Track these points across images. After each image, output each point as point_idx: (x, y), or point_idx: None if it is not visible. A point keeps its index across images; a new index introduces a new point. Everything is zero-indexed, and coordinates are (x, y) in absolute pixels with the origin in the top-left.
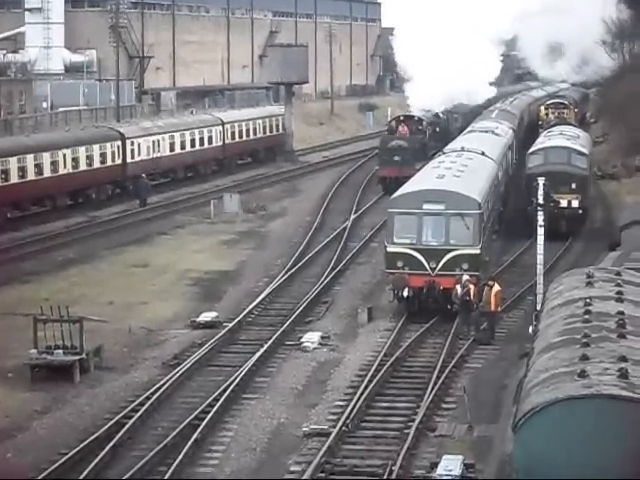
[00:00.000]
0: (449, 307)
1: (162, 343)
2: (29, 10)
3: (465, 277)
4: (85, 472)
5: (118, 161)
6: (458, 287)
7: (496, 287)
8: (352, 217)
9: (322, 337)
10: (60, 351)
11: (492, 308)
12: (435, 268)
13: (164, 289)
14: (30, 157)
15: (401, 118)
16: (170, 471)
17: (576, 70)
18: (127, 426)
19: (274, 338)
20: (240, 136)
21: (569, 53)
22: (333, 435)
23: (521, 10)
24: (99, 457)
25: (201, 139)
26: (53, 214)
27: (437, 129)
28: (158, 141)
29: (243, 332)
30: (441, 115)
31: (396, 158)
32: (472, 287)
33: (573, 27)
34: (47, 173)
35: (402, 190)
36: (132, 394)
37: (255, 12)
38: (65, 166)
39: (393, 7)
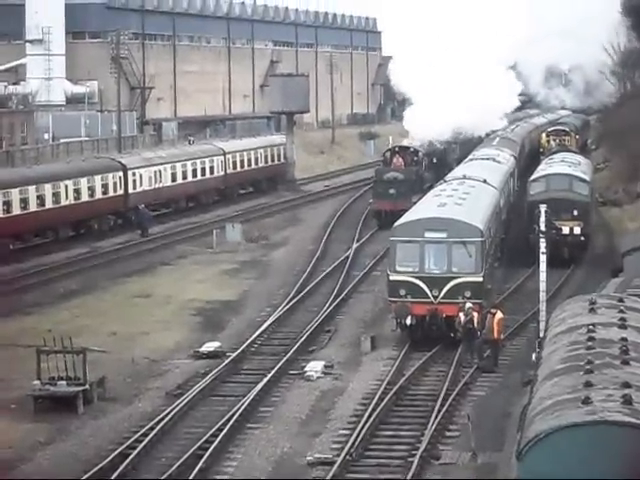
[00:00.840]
0: (452, 335)
1: (165, 373)
2: (30, 42)
3: (468, 305)
4: None
5: (120, 192)
6: (461, 315)
7: (499, 315)
8: (354, 246)
9: (325, 366)
10: (63, 382)
11: (495, 336)
12: (438, 296)
13: (167, 319)
14: (32, 188)
15: (396, 149)
16: None
17: (579, 97)
18: (131, 457)
19: (277, 367)
20: (242, 166)
21: (573, 79)
22: (337, 464)
23: (525, 35)
24: None
25: (203, 169)
26: (55, 245)
27: (434, 160)
28: (160, 171)
29: (246, 362)
30: (438, 145)
31: (391, 191)
32: (475, 314)
33: (576, 53)
34: (49, 204)
35: (404, 218)
36: (136, 424)
37: (256, 42)
38: (67, 197)
39: (393, 35)
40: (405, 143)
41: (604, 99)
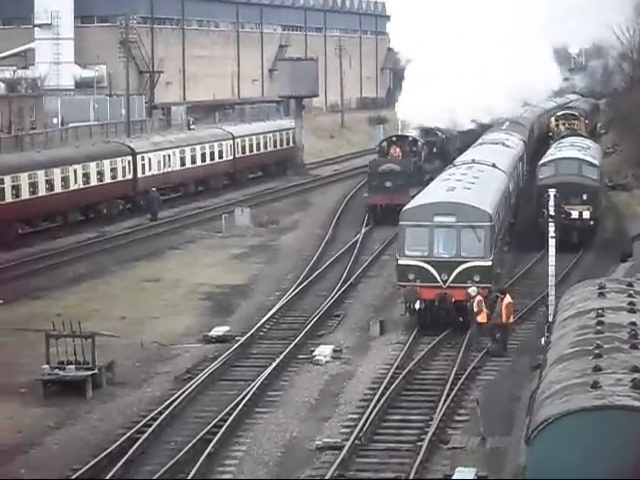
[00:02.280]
0: (461, 319)
1: (174, 358)
2: (39, 26)
3: (471, 290)
4: None
5: (129, 176)
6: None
7: (507, 299)
8: (363, 230)
9: (334, 350)
10: (72, 366)
11: (504, 320)
12: (447, 280)
13: (176, 304)
14: (41, 173)
15: (393, 138)
16: None
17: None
18: (140, 441)
19: (286, 352)
20: (251, 150)
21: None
22: (346, 448)
23: (533, 16)
24: (112, 472)
25: (212, 153)
26: (64, 230)
27: (434, 149)
28: (169, 156)
29: (255, 346)
30: (439, 134)
31: (387, 184)
32: (477, 299)
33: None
34: (58, 189)
35: (413, 203)
36: (145, 409)
37: (265, 26)
38: (76, 182)
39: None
40: (405, 132)
41: (615, 83)
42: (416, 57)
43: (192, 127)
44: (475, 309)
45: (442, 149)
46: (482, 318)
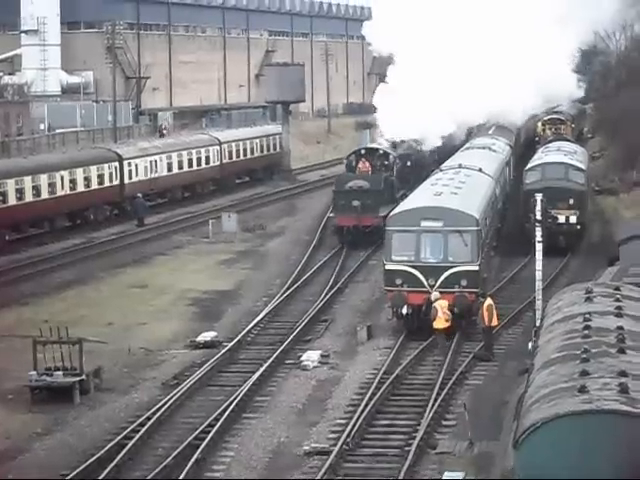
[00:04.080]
0: (448, 323)
1: (162, 363)
2: (25, 32)
3: (433, 295)
4: None
5: (116, 182)
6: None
7: (487, 301)
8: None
9: (322, 355)
10: (60, 373)
11: (485, 323)
12: (434, 285)
13: (163, 309)
14: (28, 179)
15: (362, 151)
16: None
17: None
18: (128, 447)
19: (274, 357)
20: (237, 155)
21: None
22: (334, 453)
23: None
24: (100, 478)
25: (198, 159)
26: (51, 236)
27: (408, 163)
28: (155, 161)
29: (243, 351)
30: (414, 145)
31: (355, 203)
32: (439, 302)
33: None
34: (45, 195)
35: (400, 207)
36: (132, 415)
37: (251, 31)
38: (63, 187)
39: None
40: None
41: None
42: (396, 59)
43: (164, 132)
44: (440, 314)
45: (417, 162)
46: (437, 324)
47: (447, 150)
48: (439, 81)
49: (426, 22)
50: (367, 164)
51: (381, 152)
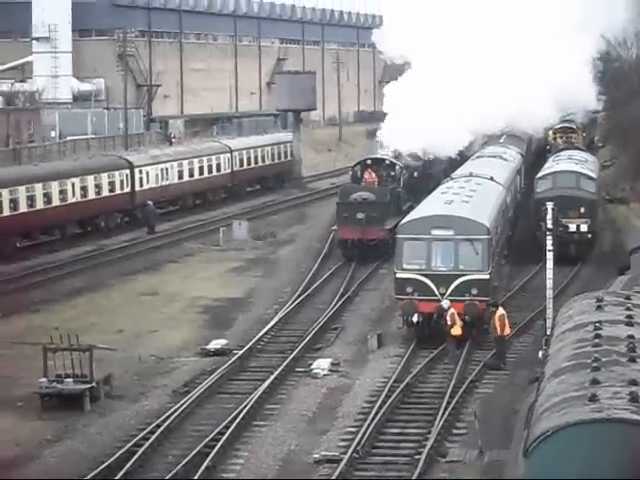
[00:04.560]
0: (460, 331)
1: (172, 371)
2: (36, 39)
3: (443, 303)
4: None
5: (127, 189)
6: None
7: (499, 311)
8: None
9: (332, 363)
10: (70, 380)
11: (498, 332)
12: (444, 293)
13: (173, 317)
14: (39, 186)
15: (367, 162)
16: None
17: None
18: (138, 454)
19: (284, 365)
20: (248, 163)
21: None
22: (344, 462)
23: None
24: None
25: (209, 166)
26: (62, 243)
27: (415, 174)
28: (167, 169)
29: (253, 359)
30: (422, 156)
31: (359, 215)
32: (450, 312)
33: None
34: (56, 202)
35: (411, 216)
36: (143, 422)
37: (262, 39)
38: (74, 195)
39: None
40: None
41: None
42: (407, 68)
43: (173, 140)
44: (449, 322)
45: (425, 173)
46: (455, 331)
47: (456, 160)
48: (453, 90)
49: (439, 30)
50: (373, 175)
51: (387, 162)
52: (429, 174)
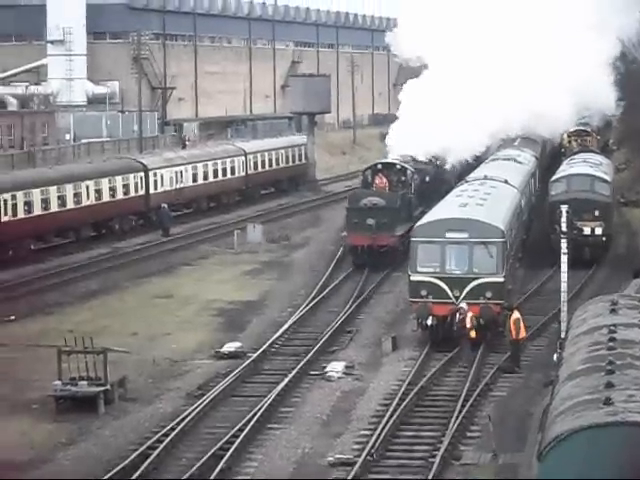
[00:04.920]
0: (473, 335)
1: (186, 374)
2: (51, 42)
3: (462, 305)
4: None
5: (141, 192)
6: (457, 315)
7: (515, 315)
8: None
9: (346, 366)
10: (84, 382)
11: (513, 336)
12: (459, 296)
13: (188, 320)
14: (53, 189)
15: (378, 166)
16: None
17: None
18: (152, 457)
19: (298, 368)
20: (263, 166)
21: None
22: (358, 465)
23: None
24: None
25: (224, 169)
26: (76, 245)
27: (427, 178)
28: (181, 172)
29: (267, 362)
30: (433, 160)
31: (369, 221)
32: (469, 315)
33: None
34: (70, 205)
35: (425, 219)
36: (157, 425)
37: (277, 42)
38: (88, 197)
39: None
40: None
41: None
42: (422, 72)
43: (187, 143)
44: (468, 325)
45: (437, 178)
46: (474, 334)
47: (470, 164)
48: (470, 93)
49: (455, 32)
50: (384, 180)
51: (398, 167)
52: (441, 179)
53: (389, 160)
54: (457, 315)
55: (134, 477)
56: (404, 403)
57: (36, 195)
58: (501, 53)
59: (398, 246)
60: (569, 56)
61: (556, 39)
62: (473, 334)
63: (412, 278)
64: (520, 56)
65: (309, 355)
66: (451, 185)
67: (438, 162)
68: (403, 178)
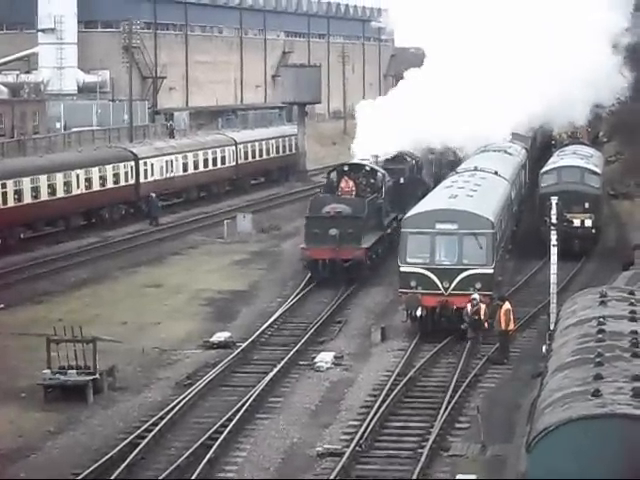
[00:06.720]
0: (462, 326)
1: (175, 363)
2: (42, 31)
3: (474, 296)
4: None
5: (131, 181)
6: (469, 306)
7: (505, 306)
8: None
9: (335, 357)
10: (73, 371)
11: (502, 327)
12: (448, 288)
13: (177, 309)
14: (43, 177)
15: (345, 168)
16: None
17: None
18: (140, 446)
19: (287, 358)
20: (253, 156)
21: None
22: (346, 455)
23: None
24: (112, 478)
25: (214, 159)
26: (66, 234)
27: (401, 180)
28: (171, 161)
29: (256, 352)
30: (407, 159)
31: (332, 232)
32: (483, 306)
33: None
34: (60, 193)
35: (415, 210)
36: (145, 414)
37: (268, 32)
38: (78, 186)
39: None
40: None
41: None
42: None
43: (175, 130)
44: (483, 316)
45: (412, 178)
46: (487, 325)
47: (452, 160)
48: (470, 85)
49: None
50: (350, 183)
51: (368, 169)
52: (417, 179)
53: (357, 161)
54: (469, 306)
55: (122, 466)
56: (393, 394)
57: (26, 184)
58: (504, 45)
59: (365, 260)
60: (577, 43)
61: (563, 25)
62: (487, 325)
63: (402, 269)
64: (528, 48)
65: (298, 345)
66: (428, 186)
67: (414, 161)
68: (372, 181)
